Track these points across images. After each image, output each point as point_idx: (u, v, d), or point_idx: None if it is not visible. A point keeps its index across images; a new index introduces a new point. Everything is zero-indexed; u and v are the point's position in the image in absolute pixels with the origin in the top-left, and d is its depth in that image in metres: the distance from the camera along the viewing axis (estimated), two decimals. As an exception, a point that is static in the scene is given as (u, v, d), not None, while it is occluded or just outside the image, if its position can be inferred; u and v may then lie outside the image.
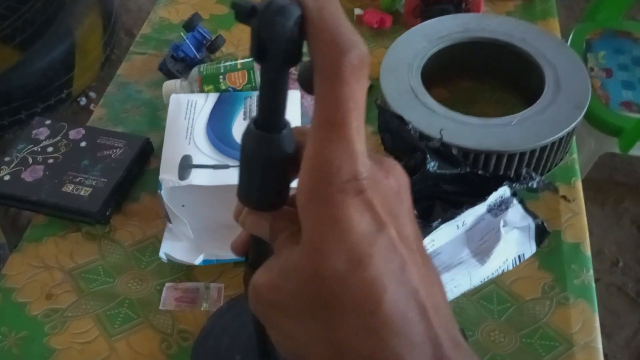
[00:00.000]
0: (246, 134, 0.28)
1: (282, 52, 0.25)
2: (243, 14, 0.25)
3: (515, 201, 0.57)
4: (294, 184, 0.28)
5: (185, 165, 0.58)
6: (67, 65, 1.67)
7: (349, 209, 0.25)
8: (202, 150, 0.59)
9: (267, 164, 0.29)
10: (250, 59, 0.73)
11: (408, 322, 0.25)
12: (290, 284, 0.26)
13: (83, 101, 1.81)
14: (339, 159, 0.25)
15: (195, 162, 0.59)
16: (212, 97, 0.66)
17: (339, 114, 0.24)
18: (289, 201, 0.30)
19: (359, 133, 0.25)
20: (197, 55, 0.80)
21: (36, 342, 0.57)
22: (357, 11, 0.90)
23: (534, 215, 0.57)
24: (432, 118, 0.64)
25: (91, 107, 1.78)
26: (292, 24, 0.24)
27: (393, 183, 0.27)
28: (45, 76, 1.63)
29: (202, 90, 0.71)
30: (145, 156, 0.72)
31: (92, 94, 1.82)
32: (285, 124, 0.28)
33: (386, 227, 0.25)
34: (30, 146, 0.71)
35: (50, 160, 0.69)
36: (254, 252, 0.34)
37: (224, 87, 0.71)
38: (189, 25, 0.80)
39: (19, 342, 0.57)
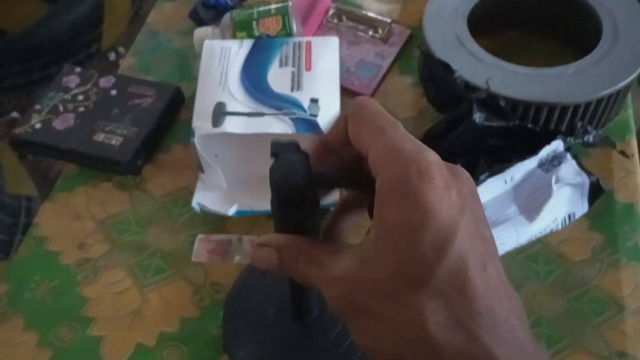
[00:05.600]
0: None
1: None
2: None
3: (569, 156, 0.53)
4: None
5: (219, 113, 0.56)
6: (95, 19, 1.65)
7: (431, 195, 0.25)
8: (237, 98, 0.57)
9: None
10: (285, 4, 0.69)
11: (496, 315, 0.26)
12: (375, 272, 0.26)
13: (112, 57, 1.80)
14: (412, 149, 0.26)
15: (229, 109, 0.56)
16: (247, 44, 0.63)
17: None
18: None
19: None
20: (229, 2, 0.77)
21: (69, 291, 0.57)
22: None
23: (589, 172, 0.53)
24: (479, 67, 0.60)
25: (120, 62, 1.76)
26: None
27: (467, 184, 0.28)
28: (73, 30, 1.61)
29: (234, 37, 0.68)
30: (176, 106, 0.70)
31: (121, 50, 1.80)
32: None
33: (465, 214, 0.26)
34: (60, 94, 0.69)
35: (81, 109, 0.68)
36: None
37: (257, 34, 0.67)
38: (221, -30, 0.77)
39: (52, 291, 0.57)
